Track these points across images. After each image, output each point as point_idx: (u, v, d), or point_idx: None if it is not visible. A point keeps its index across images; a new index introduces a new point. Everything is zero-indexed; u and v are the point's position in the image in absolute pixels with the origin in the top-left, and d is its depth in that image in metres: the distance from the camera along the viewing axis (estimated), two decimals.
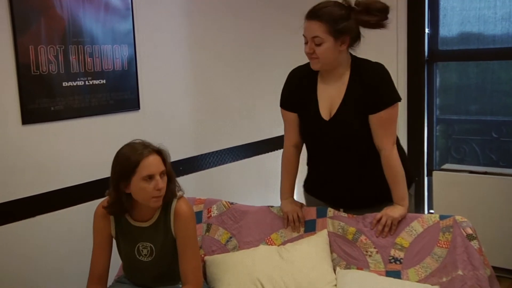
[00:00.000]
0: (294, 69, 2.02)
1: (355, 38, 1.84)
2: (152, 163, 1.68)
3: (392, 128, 1.86)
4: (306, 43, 1.84)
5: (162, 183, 1.68)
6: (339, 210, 1.99)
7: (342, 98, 1.87)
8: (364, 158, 1.89)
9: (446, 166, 3.20)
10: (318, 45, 1.80)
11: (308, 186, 2.10)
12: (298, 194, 2.19)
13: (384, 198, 1.91)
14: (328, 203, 2.01)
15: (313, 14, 1.81)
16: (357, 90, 1.85)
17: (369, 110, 1.83)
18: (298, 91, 1.95)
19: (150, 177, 1.68)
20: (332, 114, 1.88)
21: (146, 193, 1.69)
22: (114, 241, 1.87)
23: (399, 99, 1.86)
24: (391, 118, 1.84)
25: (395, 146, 1.87)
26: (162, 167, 1.69)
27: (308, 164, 2.06)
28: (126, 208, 1.74)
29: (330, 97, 1.89)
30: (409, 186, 1.94)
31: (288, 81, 2.01)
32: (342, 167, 1.93)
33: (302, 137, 2.01)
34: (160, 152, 1.71)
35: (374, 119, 1.83)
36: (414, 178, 2.06)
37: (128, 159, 1.68)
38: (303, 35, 1.84)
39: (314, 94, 1.92)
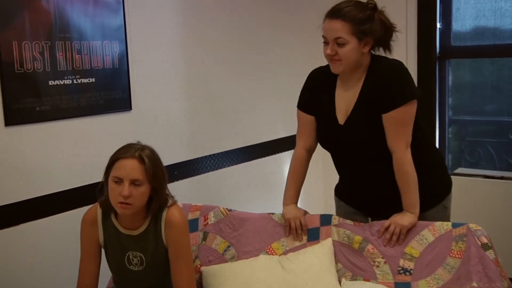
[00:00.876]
0: (315, 70, 2.04)
1: (379, 40, 1.86)
2: (124, 167, 1.70)
3: (405, 129, 1.85)
4: (326, 44, 1.84)
5: (127, 191, 1.67)
6: (367, 218, 2.00)
7: (355, 101, 1.88)
8: (385, 161, 1.88)
9: (459, 170, 3.19)
10: (341, 46, 1.80)
11: (338, 192, 2.12)
12: (303, 201, 2.19)
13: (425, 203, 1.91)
14: (357, 209, 2.03)
15: (336, 13, 1.81)
16: (371, 92, 1.86)
17: (381, 110, 1.84)
18: (318, 93, 1.97)
19: (119, 180, 1.69)
20: (346, 118, 1.89)
21: (113, 196, 1.71)
22: (103, 251, 1.87)
23: (413, 97, 1.84)
24: (403, 118, 1.83)
25: (408, 149, 1.86)
26: (136, 176, 1.69)
27: (336, 169, 2.07)
28: (112, 207, 1.75)
29: (347, 101, 1.90)
30: (443, 197, 1.95)
31: (308, 82, 2.03)
32: (365, 171, 1.94)
33: (321, 143, 2.02)
34: (142, 161, 1.70)
35: (386, 119, 1.84)
36: (450, 188, 2.03)
37: (112, 155, 1.74)
38: (323, 36, 1.84)
39: (332, 98, 1.93)
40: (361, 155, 1.91)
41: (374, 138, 1.87)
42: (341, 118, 1.91)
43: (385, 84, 1.83)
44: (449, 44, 3.24)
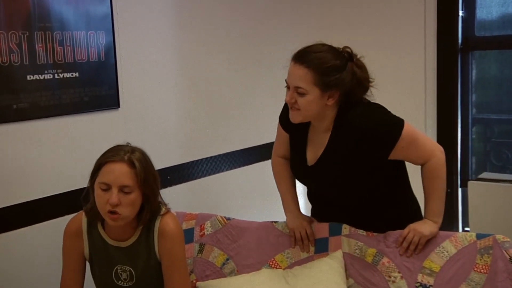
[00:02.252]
0: None
1: (348, 93, 1.81)
2: (112, 171, 1.69)
3: (420, 141, 1.87)
4: (287, 88, 1.83)
5: (115, 198, 1.67)
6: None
7: (325, 145, 1.89)
8: (363, 203, 1.93)
9: (484, 175, 3.19)
10: (301, 95, 1.79)
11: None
12: (306, 207, 2.19)
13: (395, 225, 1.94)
14: None
15: (302, 58, 1.78)
16: (342, 140, 1.85)
17: (381, 157, 1.83)
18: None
19: (107, 187, 1.69)
20: (315, 160, 1.91)
21: (100, 204, 1.71)
22: (88, 264, 1.86)
23: (401, 127, 1.81)
24: (410, 141, 1.83)
25: (438, 153, 1.88)
26: (125, 182, 1.69)
27: (308, 197, 2.11)
28: (100, 215, 1.75)
29: (319, 143, 1.91)
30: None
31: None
32: (340, 207, 1.98)
33: (292, 172, 2.06)
34: (133, 165, 1.70)
35: (395, 155, 1.84)
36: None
37: (99, 158, 1.74)
38: (286, 80, 1.83)
39: (305, 135, 1.95)
40: (330, 199, 1.97)
41: (349, 185, 1.89)
42: (310, 158, 1.93)
43: (368, 133, 1.79)
44: (473, 34, 3.24)
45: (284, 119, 2.00)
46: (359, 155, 1.83)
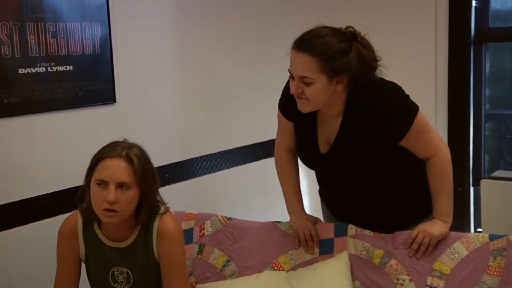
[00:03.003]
0: None
1: (356, 76, 1.79)
2: (109, 167, 1.70)
3: (430, 134, 1.87)
4: (291, 78, 1.81)
5: (113, 196, 1.68)
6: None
7: (337, 130, 1.88)
8: (376, 188, 1.93)
9: (497, 173, 3.19)
10: (307, 85, 1.76)
11: (322, 197, 2.15)
12: (309, 207, 2.19)
13: (410, 220, 1.96)
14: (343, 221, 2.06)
15: (304, 45, 1.75)
16: (355, 123, 1.84)
17: (391, 142, 1.83)
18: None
19: (103, 183, 1.70)
20: (328, 149, 1.91)
21: (97, 202, 1.71)
22: (83, 266, 1.87)
23: (416, 114, 1.82)
24: (421, 131, 1.84)
25: (443, 148, 1.89)
26: (123, 178, 1.70)
27: (318, 182, 2.11)
28: (96, 215, 1.76)
29: (330, 130, 1.90)
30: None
31: (288, 86, 1.98)
32: (353, 197, 1.98)
33: (301, 161, 2.04)
34: (131, 161, 1.71)
35: (405, 143, 1.84)
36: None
37: (95, 154, 1.75)
38: (289, 69, 1.80)
39: (314, 122, 1.93)
40: (344, 184, 1.97)
41: (363, 171, 1.89)
42: (323, 146, 1.92)
43: (382, 116, 1.79)
44: (487, 25, 3.24)
45: (285, 106, 1.98)
46: (372, 138, 1.82)
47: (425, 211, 1.96)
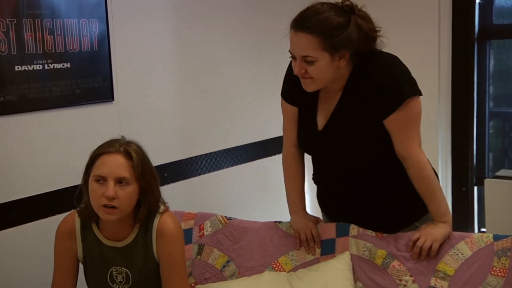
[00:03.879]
0: None
1: (358, 50, 1.80)
2: (107, 163, 1.71)
3: (414, 129, 1.86)
4: (293, 58, 1.81)
5: (111, 191, 1.68)
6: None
7: (334, 106, 1.88)
8: (373, 174, 1.91)
9: (501, 172, 3.19)
10: (310, 64, 1.77)
11: (319, 199, 2.12)
12: (311, 207, 2.19)
13: (407, 219, 1.95)
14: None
15: (302, 24, 1.76)
16: (354, 96, 1.85)
17: (379, 115, 1.84)
18: (300, 84, 1.95)
19: (102, 179, 1.69)
20: (325, 123, 1.90)
21: (95, 198, 1.71)
22: (81, 266, 1.87)
23: (414, 93, 1.83)
24: (408, 118, 1.83)
25: (422, 150, 1.88)
26: (122, 173, 1.70)
27: (313, 178, 2.09)
28: (94, 215, 1.75)
29: (329, 104, 1.90)
30: (417, 218, 1.95)
31: (291, 68, 1.99)
32: (348, 184, 1.96)
33: (300, 146, 2.03)
34: (129, 156, 1.71)
35: (389, 124, 1.84)
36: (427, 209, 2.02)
37: (93, 151, 1.75)
38: (289, 50, 1.81)
39: (316, 99, 1.93)
40: (345, 166, 1.93)
41: (359, 148, 1.88)
42: (321, 123, 1.92)
43: (378, 86, 1.81)
44: (490, 22, 3.23)
45: (288, 91, 1.98)
46: (368, 110, 1.82)
47: (418, 212, 1.95)
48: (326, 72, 1.79)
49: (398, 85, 1.81)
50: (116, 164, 1.70)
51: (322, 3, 1.80)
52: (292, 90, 1.95)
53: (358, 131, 1.86)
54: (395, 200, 1.94)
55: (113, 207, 1.69)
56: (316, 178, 2.08)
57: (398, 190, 1.94)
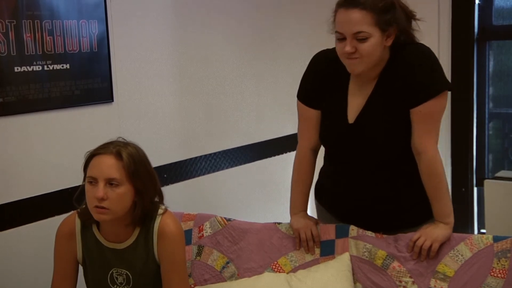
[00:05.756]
0: (320, 54, 2.01)
1: (402, 30, 1.84)
2: (98, 164, 1.71)
3: (436, 124, 1.88)
4: (341, 40, 1.81)
5: (101, 192, 1.68)
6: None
7: (368, 96, 1.89)
8: (394, 169, 1.92)
9: (501, 173, 3.19)
10: (362, 41, 1.78)
11: (320, 195, 2.12)
12: (312, 209, 2.19)
13: (419, 219, 1.94)
14: (341, 220, 2.03)
15: (354, 1, 1.77)
16: (391, 85, 1.87)
17: (409, 103, 1.85)
18: (325, 83, 1.95)
19: (94, 181, 1.71)
20: (357, 115, 1.90)
21: (88, 199, 1.72)
22: (80, 268, 1.87)
23: (447, 87, 1.87)
24: (436, 112, 1.85)
25: (436, 148, 1.89)
26: (111, 174, 1.70)
27: (323, 174, 2.07)
28: (93, 218, 1.76)
29: (361, 96, 1.90)
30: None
31: (312, 69, 2.00)
32: (368, 178, 1.95)
33: (324, 142, 2.02)
34: (120, 157, 1.71)
35: (415, 114, 1.85)
36: None
37: (88, 153, 1.76)
38: (338, 31, 1.81)
39: (345, 91, 1.93)
40: (370, 160, 1.93)
41: (388, 141, 1.89)
42: (352, 115, 1.91)
43: (414, 74, 1.84)
44: (490, 23, 3.23)
45: (309, 96, 1.97)
46: (401, 99, 1.84)
47: (427, 214, 1.95)
48: (376, 51, 1.80)
49: (436, 76, 1.85)
50: (106, 165, 1.70)
51: None
52: (314, 91, 1.94)
53: (390, 121, 1.87)
54: (411, 196, 1.94)
55: (104, 208, 1.70)
56: (329, 171, 2.05)
57: (415, 186, 1.93)
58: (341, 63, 1.88)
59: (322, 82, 1.96)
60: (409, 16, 1.87)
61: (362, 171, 1.95)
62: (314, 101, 1.98)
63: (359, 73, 1.86)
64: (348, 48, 1.78)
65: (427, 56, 1.87)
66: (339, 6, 1.81)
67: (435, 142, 1.88)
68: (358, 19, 1.76)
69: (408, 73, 1.84)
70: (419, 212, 1.96)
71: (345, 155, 1.97)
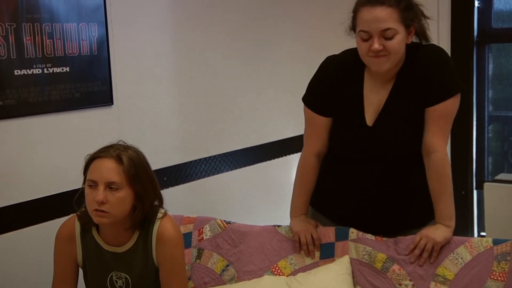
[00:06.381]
0: (330, 58, 1.99)
1: (420, 28, 1.87)
2: (98, 168, 1.72)
3: (449, 125, 1.91)
4: (365, 40, 1.80)
5: (101, 196, 1.68)
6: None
7: (386, 97, 1.89)
8: (410, 170, 1.93)
9: (501, 176, 3.19)
10: (389, 39, 1.78)
11: (319, 202, 2.10)
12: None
13: (420, 222, 1.95)
14: (341, 224, 2.03)
15: None
16: (409, 85, 1.88)
17: (427, 102, 1.86)
18: (338, 89, 1.93)
19: (94, 184, 1.71)
20: (376, 118, 1.90)
21: (88, 202, 1.72)
22: (80, 271, 1.87)
23: (463, 89, 1.90)
24: (450, 112, 1.88)
25: (445, 148, 1.91)
26: (111, 178, 1.70)
27: (323, 174, 2.05)
28: (93, 220, 1.75)
29: (378, 98, 1.91)
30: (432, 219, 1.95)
31: (323, 75, 1.98)
32: (379, 180, 1.94)
33: (337, 145, 1.99)
34: (120, 161, 1.71)
35: (431, 113, 1.87)
36: None
37: (88, 156, 1.76)
38: (362, 30, 1.79)
39: (360, 94, 1.92)
40: (385, 161, 1.92)
41: (408, 141, 1.90)
42: (370, 118, 1.91)
43: (432, 74, 1.85)
44: (489, 26, 3.24)
45: (319, 103, 1.96)
46: (420, 98, 1.85)
47: (429, 217, 1.95)
48: (402, 48, 1.82)
49: (454, 76, 1.87)
50: (106, 169, 1.71)
51: None
52: (326, 99, 1.94)
53: (410, 121, 1.88)
54: (417, 198, 1.95)
55: (104, 211, 1.70)
56: (333, 171, 2.03)
57: (421, 188, 1.93)
58: (351, 67, 1.89)
59: (333, 88, 1.94)
60: (425, 16, 1.90)
61: (374, 171, 1.94)
62: (324, 108, 1.96)
63: (384, 71, 1.85)
64: (377, 46, 1.78)
65: (444, 56, 1.90)
66: (361, 4, 1.81)
67: (445, 143, 1.90)
68: (386, 16, 1.77)
69: (426, 73, 1.86)
70: (421, 214, 1.97)
71: (361, 157, 1.96)
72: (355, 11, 1.83)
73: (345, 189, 2.01)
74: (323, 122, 1.98)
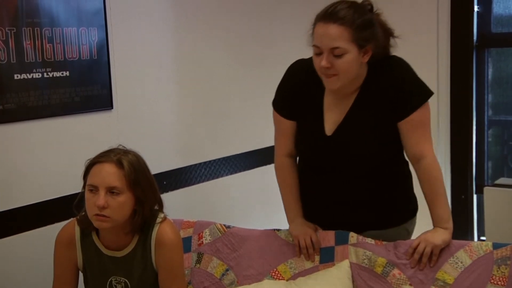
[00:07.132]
0: (297, 63, 2.02)
1: (379, 47, 1.85)
2: (99, 173, 1.72)
3: (429, 130, 1.91)
4: (318, 54, 1.81)
5: (102, 200, 1.69)
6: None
7: (348, 109, 1.90)
8: (373, 179, 1.94)
9: (500, 181, 3.19)
10: (338, 57, 1.78)
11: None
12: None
13: (390, 221, 1.99)
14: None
15: (333, 16, 1.77)
16: (370, 98, 1.88)
17: (397, 116, 1.87)
18: (301, 94, 1.95)
19: (95, 189, 1.71)
20: (336, 128, 1.91)
21: (89, 207, 1.73)
22: (80, 275, 1.87)
23: (430, 94, 1.90)
24: (425, 119, 1.89)
25: (432, 152, 1.91)
26: (112, 183, 1.71)
27: (303, 182, 2.07)
28: (93, 224, 1.75)
29: (339, 109, 1.91)
30: (406, 219, 2.01)
31: (288, 79, 2.01)
32: (345, 189, 1.96)
33: (299, 152, 2.03)
34: (121, 166, 1.71)
35: (405, 125, 1.87)
36: (415, 212, 2.07)
37: (88, 161, 1.77)
38: (315, 45, 1.81)
39: (320, 102, 1.93)
40: (348, 170, 1.94)
41: (369, 153, 1.90)
42: (329, 128, 1.92)
43: (399, 86, 1.86)
44: (489, 31, 3.24)
45: (284, 106, 1.98)
46: (383, 113, 1.86)
47: (406, 215, 2.00)
48: (352, 68, 1.80)
49: (419, 86, 1.88)
50: (107, 174, 1.71)
51: (345, 1, 1.83)
52: (290, 102, 1.95)
53: (372, 133, 1.89)
54: (388, 199, 1.97)
55: (105, 216, 1.70)
56: (304, 178, 2.06)
57: (393, 191, 1.97)
58: (317, 74, 1.89)
59: (297, 93, 1.95)
60: (388, 33, 1.88)
61: (340, 180, 1.96)
62: (289, 111, 1.98)
63: (336, 89, 1.86)
64: (324, 63, 1.78)
65: (406, 67, 1.90)
66: (318, 19, 1.81)
67: (431, 147, 1.91)
68: (336, 35, 1.76)
69: (392, 86, 1.86)
70: (400, 212, 2.00)
71: (323, 165, 1.99)
72: (314, 25, 1.83)
73: (316, 196, 2.03)
74: (289, 125, 2.00)
